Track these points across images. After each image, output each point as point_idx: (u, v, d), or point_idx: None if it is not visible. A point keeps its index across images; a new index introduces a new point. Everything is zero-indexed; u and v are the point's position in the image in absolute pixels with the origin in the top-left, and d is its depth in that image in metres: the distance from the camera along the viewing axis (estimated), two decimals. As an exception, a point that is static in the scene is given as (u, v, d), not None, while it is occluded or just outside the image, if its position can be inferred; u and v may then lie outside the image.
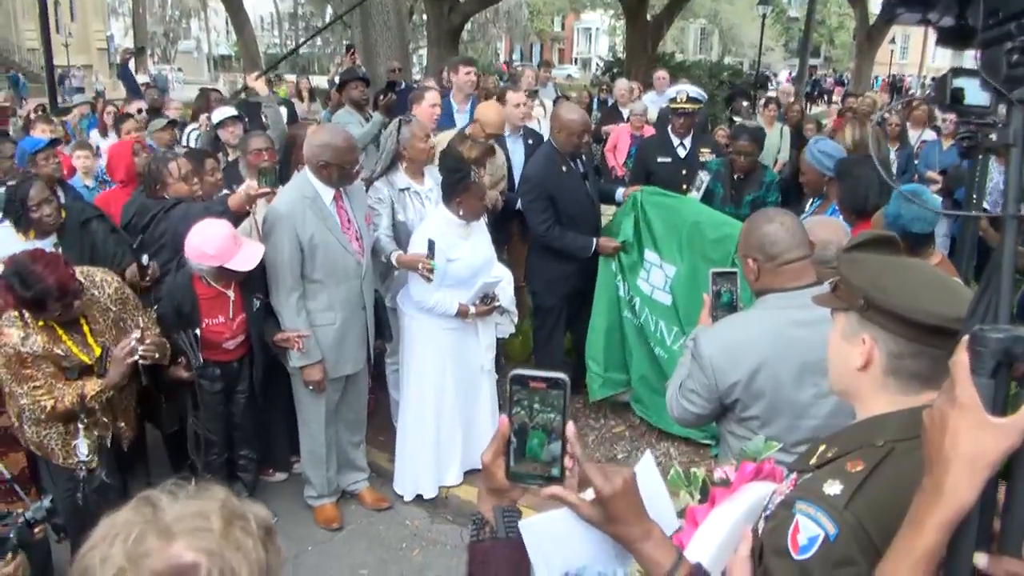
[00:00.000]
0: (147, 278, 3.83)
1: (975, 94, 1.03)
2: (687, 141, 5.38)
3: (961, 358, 0.97)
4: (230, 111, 5.60)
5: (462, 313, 3.97)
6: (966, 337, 0.98)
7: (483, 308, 4.04)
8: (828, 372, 1.45)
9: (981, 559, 0.97)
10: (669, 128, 5.50)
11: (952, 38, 1.04)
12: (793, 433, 2.22)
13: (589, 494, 1.13)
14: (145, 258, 3.86)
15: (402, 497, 4.26)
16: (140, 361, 3.16)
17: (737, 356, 2.26)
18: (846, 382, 1.38)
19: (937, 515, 0.98)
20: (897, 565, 1.03)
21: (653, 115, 8.10)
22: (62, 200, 4.10)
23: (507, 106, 5.30)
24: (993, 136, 1.02)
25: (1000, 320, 0.98)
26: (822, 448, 1.35)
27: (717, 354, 2.28)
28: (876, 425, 1.30)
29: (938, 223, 8.28)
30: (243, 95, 7.12)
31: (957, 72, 1.03)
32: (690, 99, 5.27)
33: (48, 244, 3.76)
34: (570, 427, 1.09)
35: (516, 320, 4.38)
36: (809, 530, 1.21)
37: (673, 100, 5.35)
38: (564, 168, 4.54)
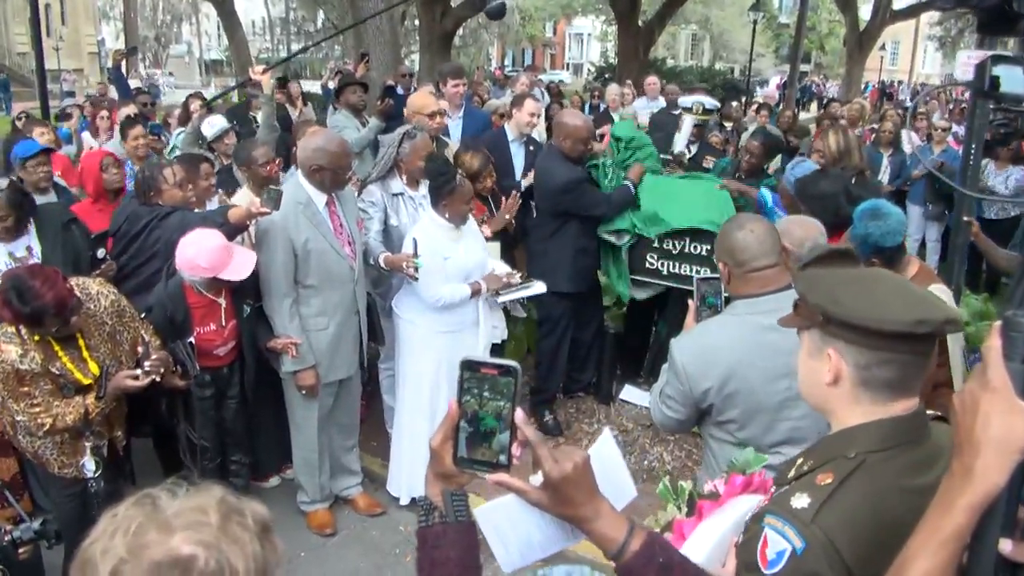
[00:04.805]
0: (98, 272, 3.76)
1: (1011, 82, 1.03)
2: (692, 147, 5.42)
3: (994, 343, 0.98)
4: (222, 124, 5.54)
5: (475, 291, 3.97)
6: (998, 322, 0.99)
7: (493, 279, 4.06)
8: (800, 390, 1.45)
9: (1006, 545, 0.98)
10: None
11: (994, 24, 1.04)
12: (770, 434, 2.26)
13: (539, 478, 1.13)
14: (101, 251, 3.82)
15: (396, 500, 4.26)
16: (145, 380, 3.15)
17: (708, 362, 2.29)
18: (819, 398, 1.38)
19: (966, 497, 0.99)
20: (924, 545, 1.03)
21: (644, 121, 8.12)
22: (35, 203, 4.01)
23: (522, 112, 5.36)
24: None
25: None
26: (800, 461, 1.36)
27: (689, 361, 2.32)
28: (849, 437, 1.30)
29: (928, 229, 8.38)
30: (245, 88, 7.12)
31: (996, 59, 1.03)
32: (705, 111, 5.31)
33: (21, 247, 3.73)
34: (519, 414, 1.10)
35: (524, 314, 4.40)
36: (777, 544, 1.21)
37: (688, 110, 5.36)
38: (580, 168, 4.61)
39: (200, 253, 3.42)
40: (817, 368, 1.35)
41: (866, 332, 1.26)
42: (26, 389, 2.98)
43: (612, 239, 4.74)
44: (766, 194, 4.45)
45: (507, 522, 1.19)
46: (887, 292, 1.30)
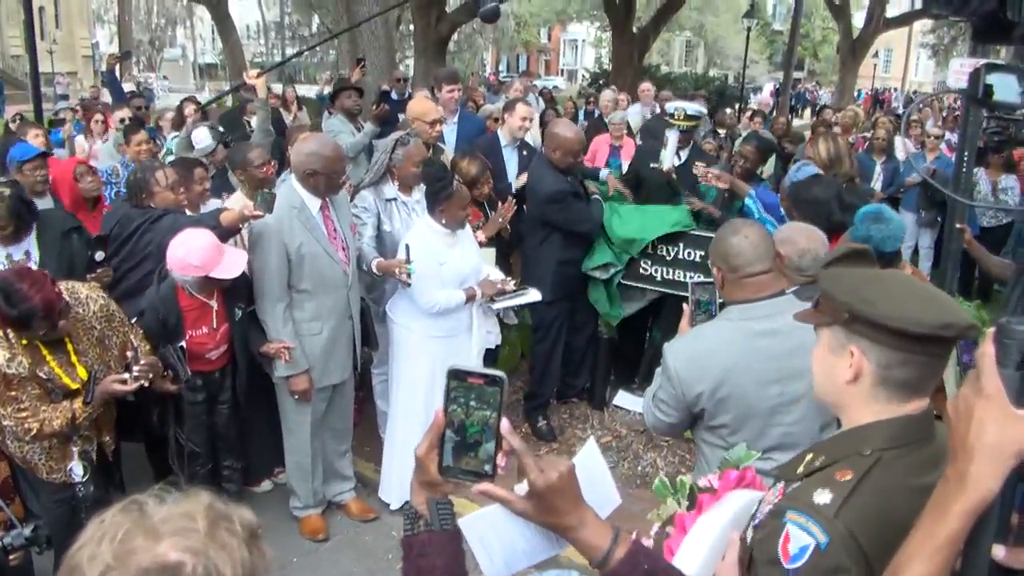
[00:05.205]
0: (93, 276, 3.74)
1: (1005, 90, 1.03)
2: (682, 153, 5.41)
3: (988, 349, 0.99)
4: (207, 141, 5.39)
5: (470, 297, 3.98)
6: (992, 329, 0.99)
7: (488, 285, 4.06)
8: (815, 386, 1.46)
9: (999, 551, 0.99)
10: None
11: (989, 31, 1.04)
12: (762, 439, 2.26)
13: (524, 487, 1.14)
14: (100, 254, 3.80)
15: (388, 506, 4.24)
16: (134, 385, 3.12)
17: (700, 367, 2.30)
18: (834, 395, 1.39)
19: (960, 503, 0.99)
20: (918, 550, 1.04)
21: (639, 126, 8.14)
22: (38, 209, 4.01)
23: (514, 117, 5.36)
24: None
25: None
26: (809, 457, 1.37)
27: (681, 366, 2.33)
28: (863, 434, 1.32)
29: (921, 236, 8.42)
30: (239, 92, 7.09)
31: (990, 68, 1.03)
32: (688, 116, 5.27)
33: (20, 251, 3.73)
34: (504, 423, 1.10)
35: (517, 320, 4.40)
36: (800, 539, 1.22)
37: (672, 116, 5.32)
38: (569, 179, 4.61)
39: (191, 252, 3.40)
40: (837, 365, 1.36)
41: (893, 332, 1.27)
42: (13, 393, 2.96)
43: (598, 275, 4.77)
44: (751, 204, 4.47)
45: (492, 531, 1.19)
46: (912, 294, 1.32)
